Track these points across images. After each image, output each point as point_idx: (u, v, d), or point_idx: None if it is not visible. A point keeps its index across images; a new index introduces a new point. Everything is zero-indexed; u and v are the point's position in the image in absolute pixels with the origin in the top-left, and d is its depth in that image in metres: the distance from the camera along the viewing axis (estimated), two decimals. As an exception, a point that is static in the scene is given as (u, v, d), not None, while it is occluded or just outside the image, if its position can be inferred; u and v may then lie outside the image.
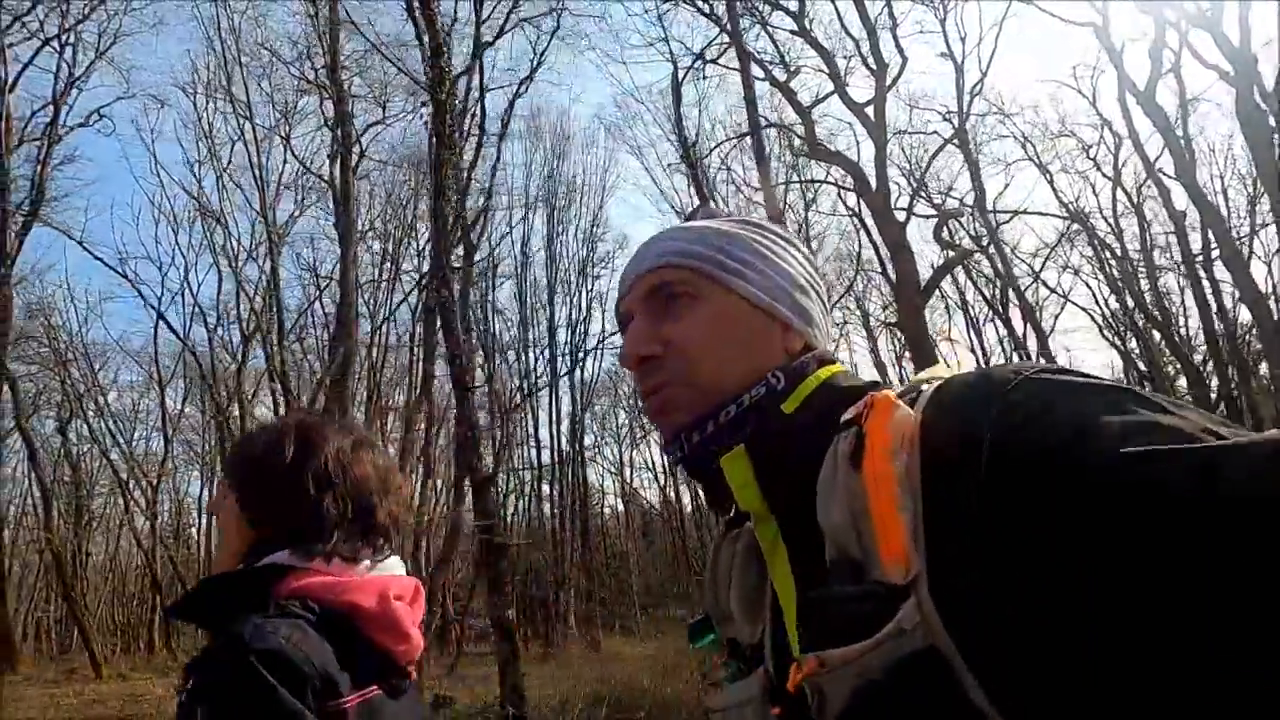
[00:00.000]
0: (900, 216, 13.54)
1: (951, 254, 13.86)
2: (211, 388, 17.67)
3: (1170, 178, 14.18)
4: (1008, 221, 16.75)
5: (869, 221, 14.59)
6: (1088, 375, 0.52)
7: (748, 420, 0.66)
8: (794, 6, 13.30)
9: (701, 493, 0.77)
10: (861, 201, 14.62)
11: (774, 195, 13.03)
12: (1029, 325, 16.74)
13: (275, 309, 15.95)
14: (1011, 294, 16.56)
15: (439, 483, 17.02)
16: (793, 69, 15.02)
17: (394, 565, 1.08)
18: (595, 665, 11.69)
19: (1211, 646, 0.41)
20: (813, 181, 17.35)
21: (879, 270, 16.76)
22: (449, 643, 13.06)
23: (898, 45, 13.02)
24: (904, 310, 11.56)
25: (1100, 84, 22.92)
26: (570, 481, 21.38)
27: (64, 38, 13.11)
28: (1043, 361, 0.56)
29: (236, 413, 17.43)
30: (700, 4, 13.91)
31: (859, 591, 0.52)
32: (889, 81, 12.61)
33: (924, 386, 0.57)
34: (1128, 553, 0.43)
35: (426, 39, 8.65)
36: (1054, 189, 20.17)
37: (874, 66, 12.35)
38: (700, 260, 0.72)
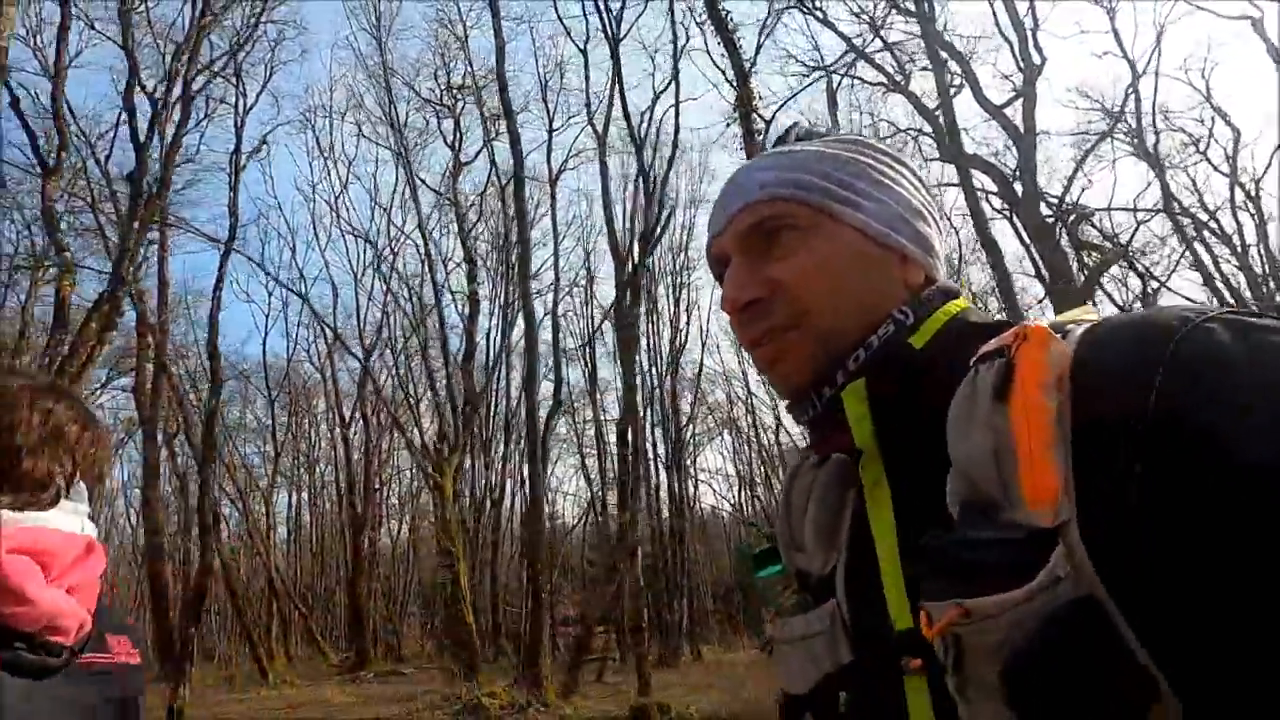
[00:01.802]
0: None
1: (1097, 255, 13.36)
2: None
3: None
4: (1148, 220, 16.07)
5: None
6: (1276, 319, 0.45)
7: (876, 360, 0.62)
8: (912, 6, 13.24)
9: (808, 436, 0.69)
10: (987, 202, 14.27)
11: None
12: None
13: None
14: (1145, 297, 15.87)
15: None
16: (908, 72, 14.93)
17: (53, 518, 0.91)
18: (709, 674, 11.54)
19: None
20: (953, 184, 17.06)
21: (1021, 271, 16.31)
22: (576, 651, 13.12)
23: (1037, 45, 12.77)
24: (1060, 310, 11.12)
25: (1212, 78, 21.92)
26: (673, 489, 21.40)
27: (239, 72, 13.97)
28: (1215, 304, 0.49)
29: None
30: (820, 15, 14.00)
31: (1005, 536, 0.47)
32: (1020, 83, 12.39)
33: (1070, 326, 0.51)
34: None
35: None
36: (1164, 186, 19.25)
37: (1021, 66, 12.09)
38: (804, 189, 0.66)
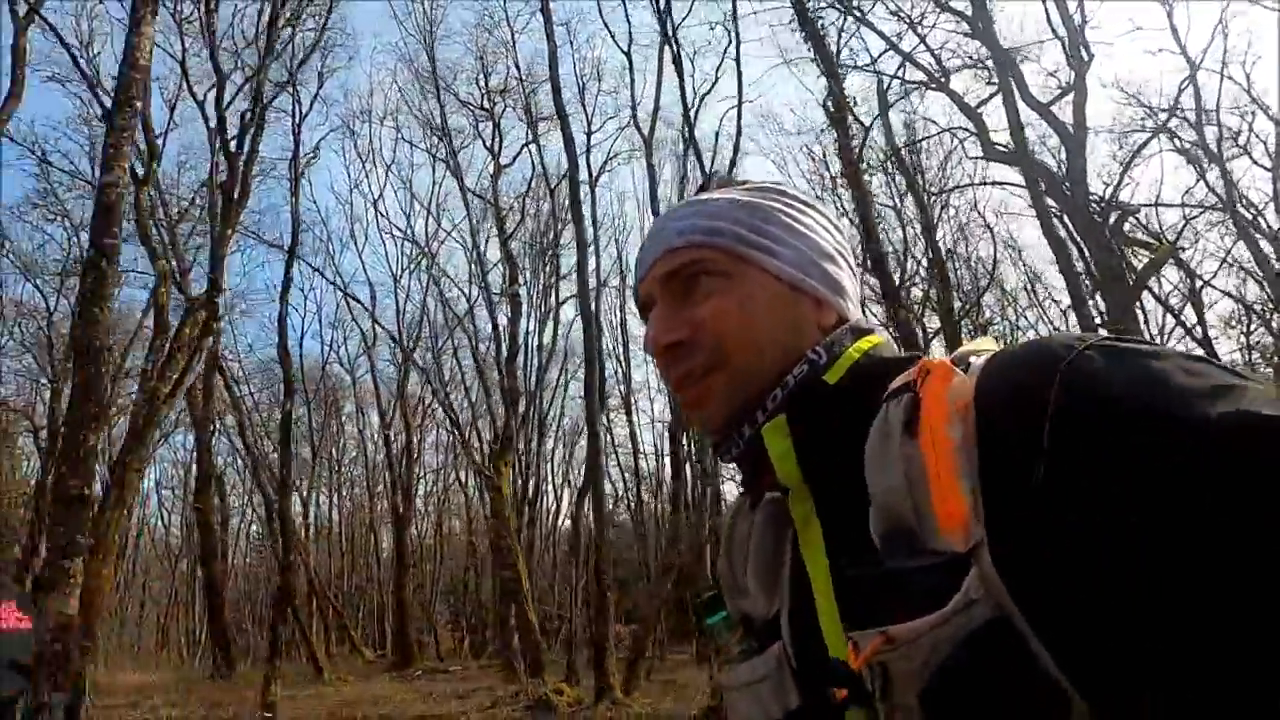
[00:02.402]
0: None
1: (1145, 253, 13.35)
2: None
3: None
4: (1197, 217, 16.01)
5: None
6: (1155, 344, 0.50)
7: (792, 398, 0.64)
8: (968, 10, 13.30)
9: (740, 477, 0.71)
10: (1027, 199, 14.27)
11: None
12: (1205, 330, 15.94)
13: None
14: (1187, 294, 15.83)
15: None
16: (948, 70, 14.95)
17: None
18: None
19: None
20: (1000, 184, 17.07)
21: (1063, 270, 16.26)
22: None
23: (1085, 42, 12.77)
24: (1113, 307, 11.24)
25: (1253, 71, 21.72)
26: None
27: (294, 80, 14.12)
28: (1102, 332, 0.52)
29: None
30: (855, 12, 14.03)
31: (922, 564, 0.50)
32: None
33: (972, 358, 0.55)
34: (1218, 522, 0.41)
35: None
36: (1204, 179, 19.13)
37: (1072, 63, 12.10)
38: (720, 236, 0.68)
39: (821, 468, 0.61)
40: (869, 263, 8.99)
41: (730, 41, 13.43)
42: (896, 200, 20.54)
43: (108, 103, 11.99)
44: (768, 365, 0.65)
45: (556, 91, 11.98)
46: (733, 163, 12.94)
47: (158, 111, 10.83)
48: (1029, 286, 21.48)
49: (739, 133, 12.97)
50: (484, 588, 26.08)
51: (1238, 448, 0.42)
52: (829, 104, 9.16)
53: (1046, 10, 12.24)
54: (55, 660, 3.98)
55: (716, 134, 13.89)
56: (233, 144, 8.74)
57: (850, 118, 8.91)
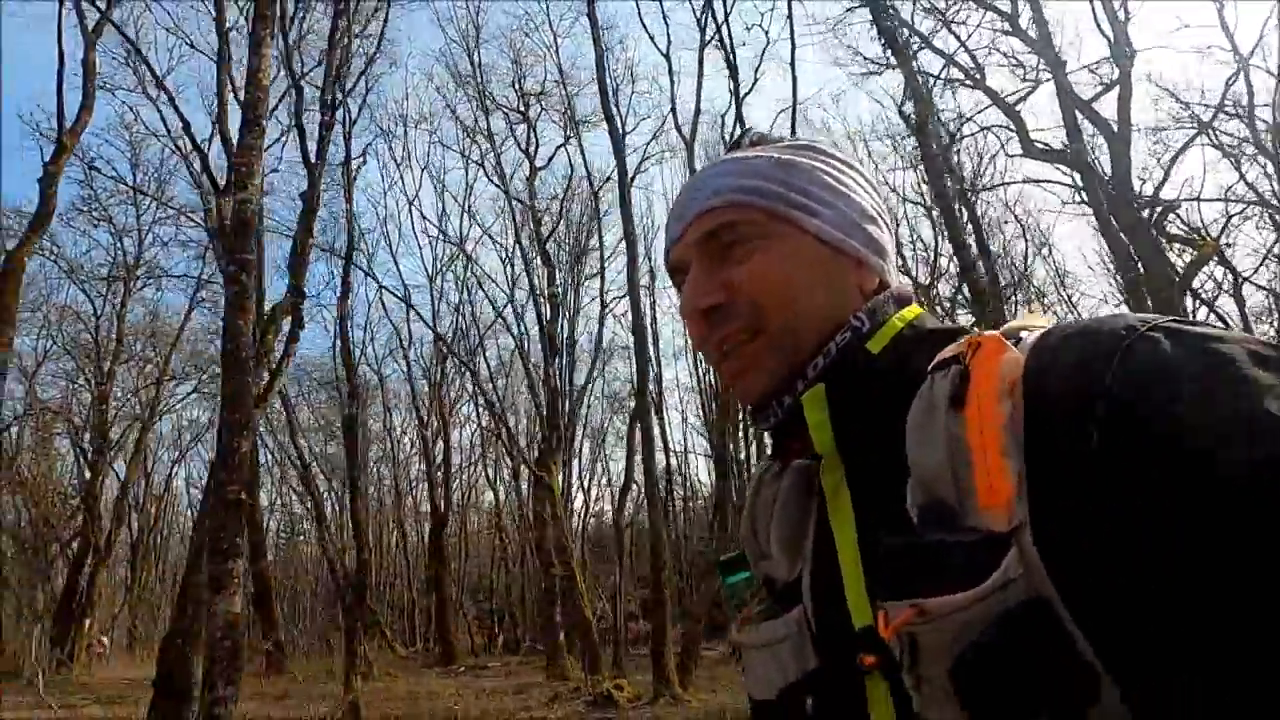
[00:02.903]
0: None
1: (1188, 250, 13.37)
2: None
3: None
4: (1240, 213, 15.98)
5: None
6: (1218, 329, 0.48)
7: (834, 367, 0.62)
8: (1006, 7, 13.36)
9: (770, 442, 0.70)
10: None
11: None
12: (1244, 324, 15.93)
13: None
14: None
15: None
16: (983, 67, 14.98)
17: None
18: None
19: None
20: (1039, 182, 17.12)
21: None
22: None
23: (1128, 39, 12.79)
24: (1157, 305, 11.29)
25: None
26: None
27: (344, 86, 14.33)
28: (1158, 315, 0.51)
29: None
30: (891, 11, 14.08)
31: (962, 540, 0.49)
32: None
33: (1024, 334, 0.54)
34: (1258, 575, 0.40)
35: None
36: (1240, 172, 18.98)
37: (1118, 60, 12.13)
38: (760, 196, 0.66)
39: (857, 437, 0.60)
40: (960, 272, 9.01)
41: (768, 43, 13.56)
42: (925, 198, 20.68)
43: (165, 109, 12.32)
44: (809, 330, 0.63)
45: (604, 94, 12.13)
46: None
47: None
48: (1059, 283, 21.50)
49: (794, 134, 13.06)
50: (515, 585, 26.33)
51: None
52: (909, 110, 9.22)
53: (1094, 8, 12.22)
54: (226, 656, 4.23)
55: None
56: (312, 155, 8.95)
57: (932, 123, 8.94)
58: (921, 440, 0.53)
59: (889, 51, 9.50)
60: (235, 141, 6.41)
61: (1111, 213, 12.20)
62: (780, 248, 0.65)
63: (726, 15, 12.96)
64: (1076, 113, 11.17)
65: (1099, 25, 12.52)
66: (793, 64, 12.66)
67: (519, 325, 17.11)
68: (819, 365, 0.62)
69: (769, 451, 0.72)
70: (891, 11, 9.79)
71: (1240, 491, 0.41)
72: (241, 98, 7.48)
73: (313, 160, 8.90)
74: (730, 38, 12.62)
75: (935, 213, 20.62)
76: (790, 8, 12.69)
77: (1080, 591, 0.45)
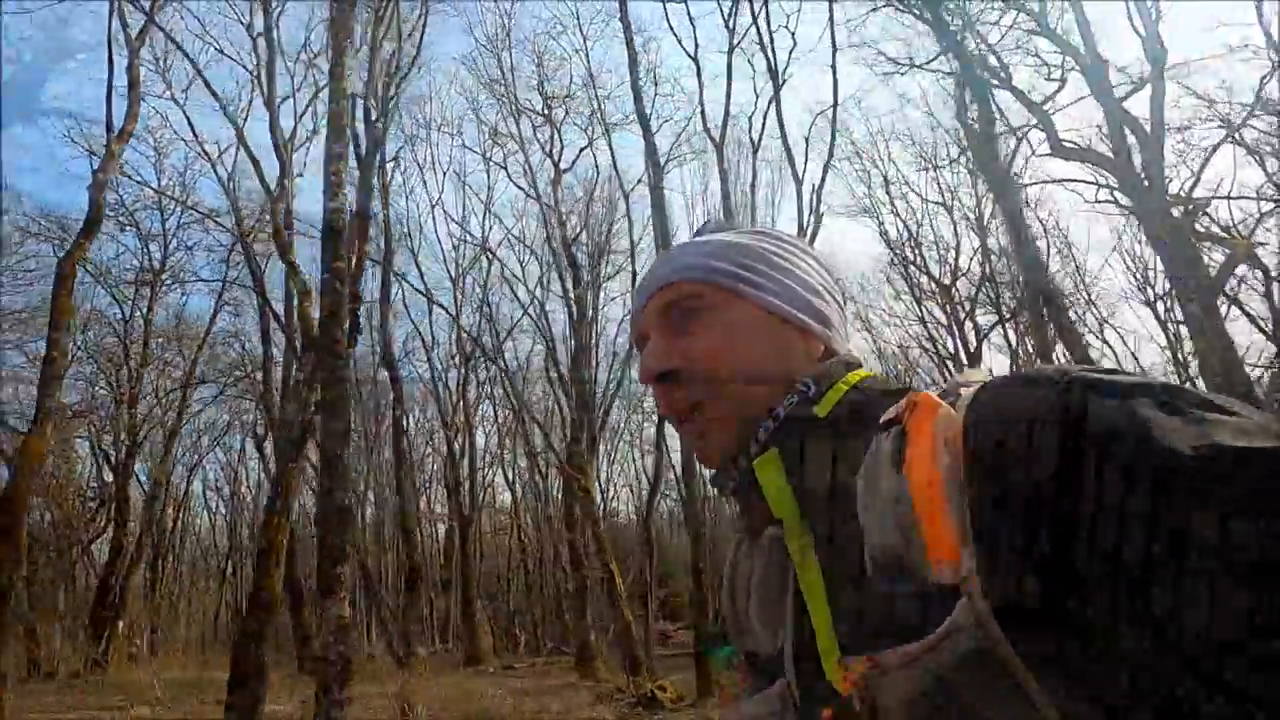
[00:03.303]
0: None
1: (1223, 249, 13.35)
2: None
3: None
4: (1271, 212, 15.94)
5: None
6: (1137, 375, 0.52)
7: (784, 430, 0.66)
8: (1035, 6, 13.39)
9: (737, 512, 0.73)
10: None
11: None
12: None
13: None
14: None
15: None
16: (1008, 66, 15.00)
17: None
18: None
19: None
20: (1071, 181, 17.11)
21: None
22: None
23: (1159, 38, 12.80)
24: (1185, 304, 11.32)
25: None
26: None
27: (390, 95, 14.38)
28: (1073, 364, 0.53)
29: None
30: (916, 11, 14.11)
31: (912, 592, 0.51)
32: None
33: (962, 390, 0.56)
34: (1192, 551, 0.43)
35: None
36: (1265, 170, 18.91)
37: (1150, 59, 12.14)
38: (714, 273, 0.71)
39: (816, 501, 0.62)
40: (1020, 282, 8.99)
41: (794, 45, 13.58)
42: (947, 197, 20.67)
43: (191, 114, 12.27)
44: (760, 396, 0.67)
45: (638, 98, 12.19)
46: (826, 166, 13.08)
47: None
48: (1080, 282, 21.47)
49: (834, 137, 13.12)
50: (535, 586, 26.38)
51: (1207, 478, 0.44)
52: (968, 117, 9.23)
53: (1128, 7, 12.22)
54: (340, 660, 4.25)
55: (806, 139, 14.05)
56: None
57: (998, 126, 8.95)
58: (870, 501, 0.55)
59: (950, 54, 9.47)
60: (273, 145, 6.37)
61: (1147, 213, 12.19)
62: (731, 319, 0.70)
63: (768, 16, 13.04)
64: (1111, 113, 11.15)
65: (1132, 23, 12.54)
66: (834, 66, 12.72)
67: (545, 326, 17.15)
68: (769, 426, 0.66)
69: (738, 520, 0.75)
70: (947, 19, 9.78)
71: (1156, 526, 0.44)
72: (277, 102, 7.50)
73: (364, 163, 8.98)
74: (772, 38, 12.68)
75: (954, 213, 20.69)
76: (831, 10, 12.72)
77: (1030, 638, 0.47)
